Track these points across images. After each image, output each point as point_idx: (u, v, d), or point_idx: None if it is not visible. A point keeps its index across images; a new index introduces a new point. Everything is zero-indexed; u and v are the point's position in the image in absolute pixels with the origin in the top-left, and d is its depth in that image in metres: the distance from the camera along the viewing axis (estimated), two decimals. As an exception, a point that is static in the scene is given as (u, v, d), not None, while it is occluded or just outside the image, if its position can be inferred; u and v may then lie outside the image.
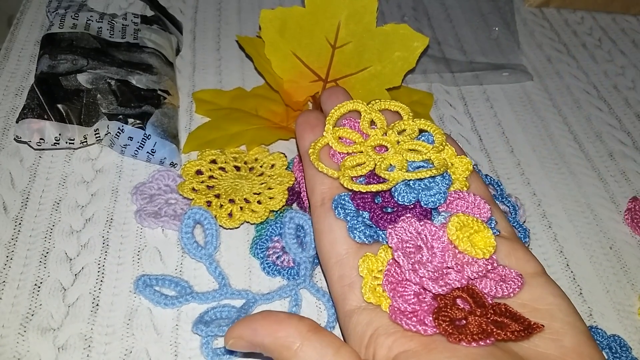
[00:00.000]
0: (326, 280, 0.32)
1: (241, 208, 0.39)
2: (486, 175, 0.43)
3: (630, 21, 0.67)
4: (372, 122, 0.35)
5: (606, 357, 0.36)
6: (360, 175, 0.32)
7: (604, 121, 0.54)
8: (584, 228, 0.44)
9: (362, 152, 0.33)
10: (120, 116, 0.42)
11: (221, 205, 0.39)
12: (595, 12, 0.68)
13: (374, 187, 0.30)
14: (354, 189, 0.31)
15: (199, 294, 0.36)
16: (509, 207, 0.41)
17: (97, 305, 0.36)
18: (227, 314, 0.35)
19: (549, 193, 0.46)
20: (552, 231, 0.44)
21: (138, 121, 0.42)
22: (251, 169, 0.43)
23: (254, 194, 0.40)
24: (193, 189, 0.40)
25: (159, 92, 0.45)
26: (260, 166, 0.43)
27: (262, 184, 0.41)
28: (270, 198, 0.40)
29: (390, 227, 0.29)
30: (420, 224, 0.28)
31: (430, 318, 0.26)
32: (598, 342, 0.37)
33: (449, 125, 0.51)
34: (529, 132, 0.52)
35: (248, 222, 0.40)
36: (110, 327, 0.35)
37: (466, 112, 0.53)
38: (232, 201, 0.40)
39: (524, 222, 0.43)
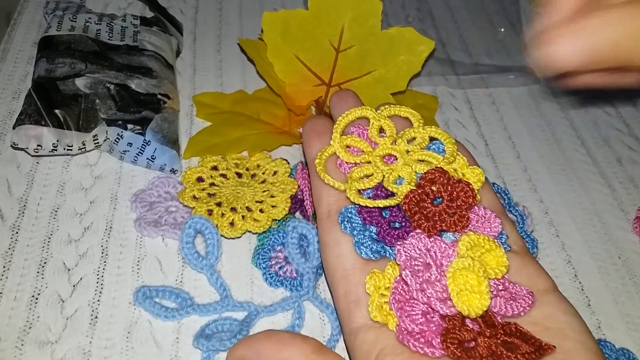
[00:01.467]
0: (331, 294, 0.31)
1: (243, 217, 0.39)
2: (493, 183, 0.42)
3: (637, 22, 0.66)
4: (382, 129, 0.34)
5: None
6: (368, 188, 0.31)
7: (612, 126, 0.53)
8: (592, 237, 0.43)
9: (370, 162, 0.32)
10: (120, 122, 0.41)
11: (222, 214, 0.38)
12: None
13: (381, 203, 0.29)
14: (361, 204, 0.30)
15: (200, 306, 0.35)
16: (516, 216, 0.40)
17: (96, 317, 0.35)
18: (228, 327, 0.35)
19: (556, 200, 0.45)
20: (560, 240, 0.43)
21: (137, 127, 0.41)
22: (253, 175, 0.42)
23: (256, 202, 0.40)
24: (194, 196, 0.39)
25: (158, 96, 0.44)
26: (263, 173, 0.42)
27: (264, 191, 0.41)
28: (273, 206, 0.39)
29: (399, 243, 0.28)
30: (430, 240, 0.28)
31: (438, 340, 0.25)
32: (607, 355, 0.36)
33: (455, 130, 0.50)
34: (536, 137, 0.51)
35: (250, 232, 0.39)
36: (109, 340, 0.34)
37: (472, 117, 0.52)
38: (233, 209, 0.39)
39: (532, 231, 0.42)
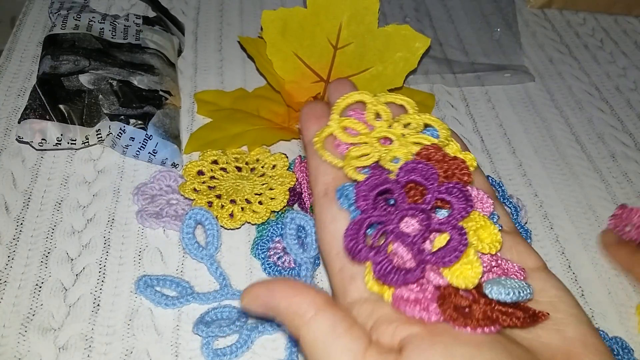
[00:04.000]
0: (327, 272, 0.32)
1: (242, 209, 0.39)
2: (487, 176, 0.42)
3: (632, 22, 0.67)
4: (378, 115, 0.35)
5: None
6: (365, 166, 0.32)
7: (606, 122, 0.54)
8: (586, 229, 0.44)
9: (367, 143, 0.33)
10: (122, 117, 0.42)
11: (222, 206, 0.39)
12: (597, 14, 0.68)
13: None
14: (359, 179, 0.31)
15: (200, 295, 0.36)
16: (510, 208, 0.41)
17: (98, 305, 0.36)
18: (227, 314, 0.35)
19: (550, 194, 0.46)
20: (554, 232, 0.43)
21: (140, 122, 0.42)
22: (252, 169, 0.43)
23: (255, 194, 0.40)
24: (194, 189, 0.40)
25: (160, 92, 0.45)
26: (262, 167, 0.43)
27: (263, 184, 0.41)
28: (272, 199, 0.40)
29: None
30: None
31: (434, 305, 0.26)
32: None
33: (451, 126, 0.50)
34: (531, 133, 0.52)
35: (249, 223, 0.40)
36: (111, 327, 0.35)
37: (468, 113, 0.53)
38: (233, 202, 0.40)
39: (526, 223, 0.42)
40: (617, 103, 0.56)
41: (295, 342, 0.34)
